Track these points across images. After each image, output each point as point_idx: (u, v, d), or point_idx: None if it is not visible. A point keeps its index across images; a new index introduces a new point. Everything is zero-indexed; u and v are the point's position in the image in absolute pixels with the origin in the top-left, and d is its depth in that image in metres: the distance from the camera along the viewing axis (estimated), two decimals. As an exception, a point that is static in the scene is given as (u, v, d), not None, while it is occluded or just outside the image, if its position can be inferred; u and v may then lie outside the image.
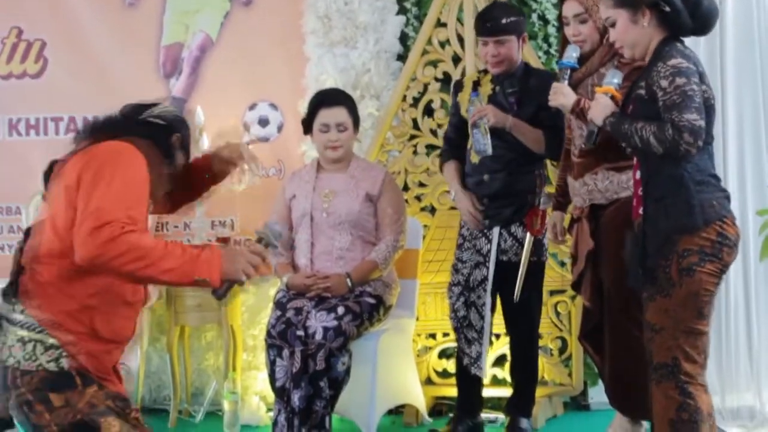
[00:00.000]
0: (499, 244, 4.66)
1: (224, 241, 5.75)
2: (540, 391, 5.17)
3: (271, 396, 4.80)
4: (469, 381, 4.77)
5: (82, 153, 2.94)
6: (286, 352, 4.51)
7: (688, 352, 3.39)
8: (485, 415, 5.05)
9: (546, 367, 5.28)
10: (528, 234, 4.50)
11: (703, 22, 3.49)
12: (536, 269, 4.61)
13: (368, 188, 4.79)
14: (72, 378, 2.81)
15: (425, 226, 5.40)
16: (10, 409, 2.80)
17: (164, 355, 5.70)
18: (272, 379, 4.58)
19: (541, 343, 5.17)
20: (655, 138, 3.33)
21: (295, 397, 4.45)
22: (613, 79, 3.63)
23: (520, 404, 4.81)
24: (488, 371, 5.22)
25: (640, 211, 3.49)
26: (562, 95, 3.91)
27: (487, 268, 4.67)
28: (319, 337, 4.48)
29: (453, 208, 5.14)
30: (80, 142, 3.02)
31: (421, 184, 5.51)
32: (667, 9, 3.43)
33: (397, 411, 5.22)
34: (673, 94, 3.34)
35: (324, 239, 4.77)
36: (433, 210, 5.50)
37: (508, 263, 4.65)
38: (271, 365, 4.58)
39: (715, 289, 3.42)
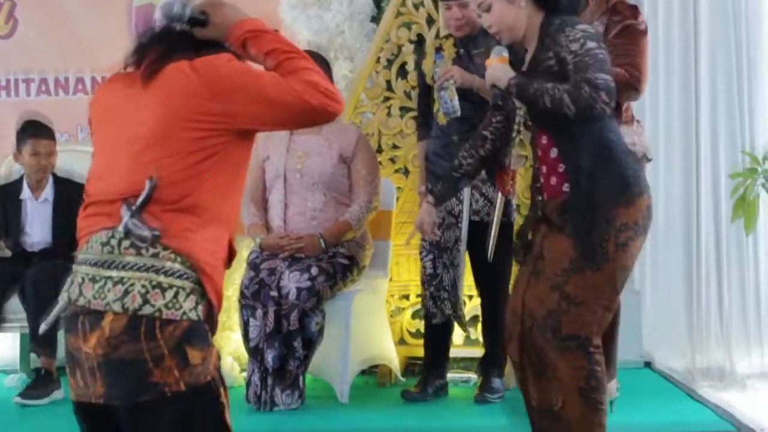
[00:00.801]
0: (470, 204, 4.68)
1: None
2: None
3: (244, 356, 4.82)
4: (435, 341, 4.80)
5: (183, 71, 2.56)
6: (259, 312, 4.52)
7: (600, 327, 3.34)
8: (458, 375, 5.08)
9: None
10: (499, 193, 4.51)
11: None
12: (505, 229, 4.62)
13: (342, 149, 4.79)
14: (206, 332, 2.52)
15: (399, 187, 5.40)
16: (103, 365, 2.43)
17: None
18: (246, 339, 4.59)
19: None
20: (569, 96, 3.19)
21: (269, 357, 4.46)
22: (501, 53, 3.46)
23: (492, 364, 4.84)
24: (462, 332, 5.25)
25: (564, 188, 3.33)
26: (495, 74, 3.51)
27: (460, 228, 4.69)
28: (292, 297, 4.48)
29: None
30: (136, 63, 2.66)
31: (395, 146, 5.50)
32: None
33: (370, 371, 5.24)
34: (585, 56, 3.22)
35: (297, 200, 4.77)
36: (406, 171, 5.49)
37: (479, 223, 4.67)
38: (245, 325, 4.59)
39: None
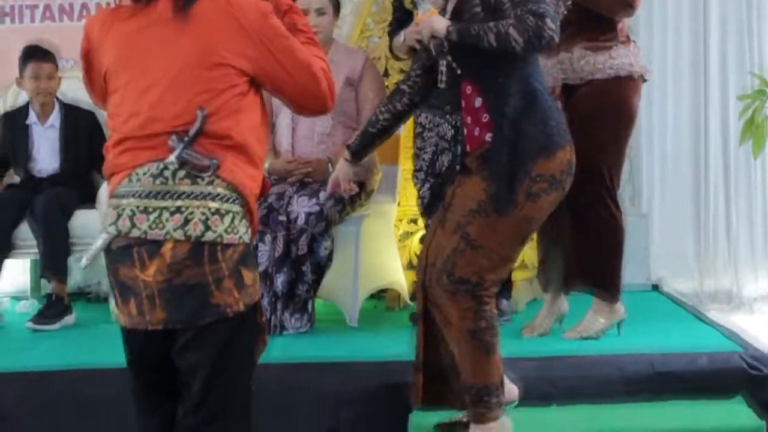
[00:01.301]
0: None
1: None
2: (520, 274, 5.24)
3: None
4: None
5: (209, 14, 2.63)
6: (268, 237, 4.52)
7: (495, 275, 3.27)
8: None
9: (526, 250, 5.30)
10: None
11: None
12: None
13: (349, 73, 4.76)
14: (251, 253, 2.73)
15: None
16: (165, 291, 2.57)
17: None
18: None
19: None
20: (515, 29, 3.10)
21: (278, 281, 4.48)
22: (426, 5, 3.35)
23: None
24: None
25: (487, 137, 3.25)
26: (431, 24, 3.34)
27: (453, 153, 4.64)
28: (301, 221, 4.49)
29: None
30: None
31: (401, 71, 5.47)
32: None
33: (379, 295, 5.27)
34: None
35: (305, 124, 4.75)
36: (414, 96, 5.46)
37: None
38: (254, 250, 4.60)
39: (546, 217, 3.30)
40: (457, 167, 3.39)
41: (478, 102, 3.31)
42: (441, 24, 3.26)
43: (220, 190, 2.59)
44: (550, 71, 4.17)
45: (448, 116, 4.61)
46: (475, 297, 3.23)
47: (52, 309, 5.00)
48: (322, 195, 4.53)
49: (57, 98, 5.40)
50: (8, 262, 5.18)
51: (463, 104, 3.37)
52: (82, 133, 5.37)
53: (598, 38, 4.07)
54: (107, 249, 2.66)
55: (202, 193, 2.58)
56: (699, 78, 5.91)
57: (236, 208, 2.61)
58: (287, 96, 2.76)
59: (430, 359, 3.43)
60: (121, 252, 2.63)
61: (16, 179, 5.44)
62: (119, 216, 2.60)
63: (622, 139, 4.19)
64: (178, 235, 2.55)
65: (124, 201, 2.60)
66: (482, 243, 3.21)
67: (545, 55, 4.17)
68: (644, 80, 4.24)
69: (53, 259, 5.03)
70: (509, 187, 3.17)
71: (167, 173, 2.58)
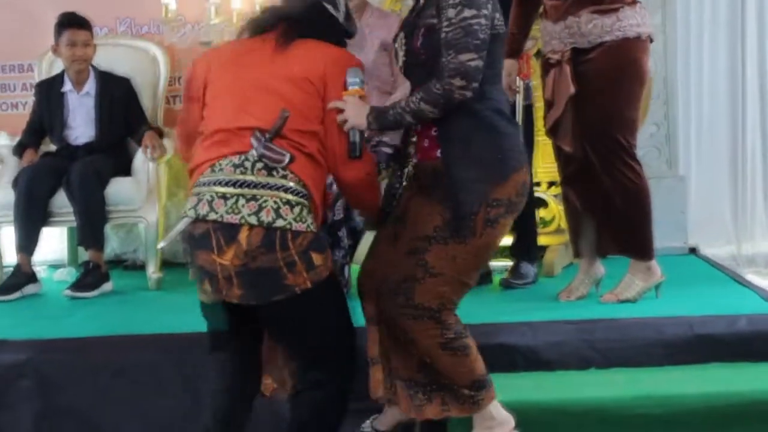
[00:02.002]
0: None
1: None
2: (556, 239, 5.23)
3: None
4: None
5: (307, 50, 3.11)
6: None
7: (455, 299, 3.19)
8: (499, 263, 5.09)
9: (562, 214, 5.29)
10: (518, 78, 4.44)
11: None
12: (526, 113, 4.57)
13: (383, 37, 4.72)
14: (323, 239, 3.09)
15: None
16: (241, 274, 2.91)
17: (182, 209, 5.73)
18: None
19: (557, 191, 5.19)
20: (426, 103, 3.03)
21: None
22: (355, 79, 3.13)
23: (521, 248, 4.86)
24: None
25: (437, 153, 3.14)
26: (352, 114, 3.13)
27: None
28: (336, 187, 4.47)
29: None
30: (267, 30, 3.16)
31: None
32: None
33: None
34: (456, 28, 3.01)
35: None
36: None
37: None
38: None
39: None
40: (407, 171, 3.30)
41: None
42: (360, 115, 3.10)
43: (291, 183, 2.93)
44: (558, 36, 4.16)
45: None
46: (436, 320, 3.15)
47: (90, 277, 5.04)
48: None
49: (92, 66, 5.40)
50: (45, 231, 5.22)
51: None
52: (117, 101, 5.38)
53: (605, 1, 4.05)
54: (188, 235, 2.96)
55: (276, 185, 2.92)
56: (736, 38, 5.84)
57: (304, 201, 2.95)
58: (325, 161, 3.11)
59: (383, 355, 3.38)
60: (199, 238, 2.94)
61: (52, 148, 5.46)
62: (199, 201, 2.93)
63: (635, 99, 4.17)
64: (252, 220, 2.88)
65: (205, 188, 2.94)
66: (441, 271, 3.12)
67: (552, 20, 4.15)
68: (651, 41, 4.21)
69: (90, 227, 5.06)
70: (467, 215, 3.08)
71: (247, 164, 2.92)
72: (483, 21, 3.04)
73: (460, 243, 3.09)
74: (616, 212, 4.19)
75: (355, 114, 3.09)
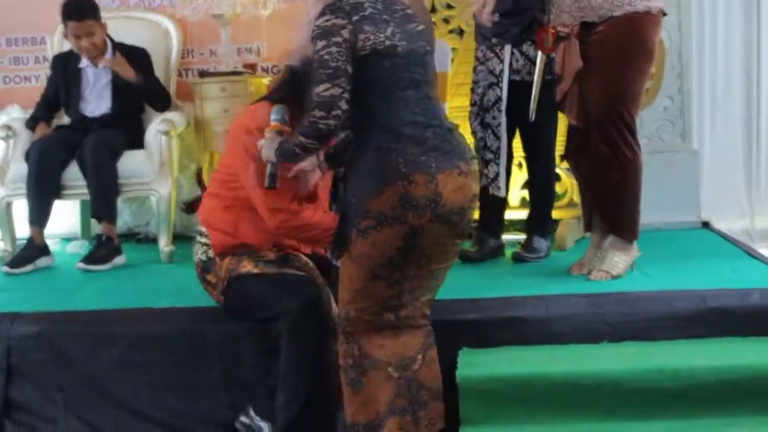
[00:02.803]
0: (510, 64, 4.62)
1: (251, 67, 5.72)
2: (568, 213, 5.22)
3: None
4: (490, 202, 4.77)
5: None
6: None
7: (355, 309, 3.25)
8: (513, 236, 5.09)
9: (575, 188, 5.29)
10: (540, 52, 4.43)
11: None
12: (549, 87, 4.56)
13: (396, 7, 4.71)
14: (213, 261, 3.76)
15: (454, 49, 5.34)
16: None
17: (194, 182, 5.74)
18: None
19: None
20: (303, 135, 3.15)
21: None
22: (277, 116, 3.43)
23: (536, 222, 4.86)
24: (518, 193, 5.25)
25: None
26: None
27: (501, 88, 4.64)
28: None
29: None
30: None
31: (449, 6, 5.43)
32: None
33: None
34: (314, 62, 3.13)
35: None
36: (461, 32, 5.43)
37: (521, 83, 4.62)
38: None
39: (399, 251, 3.15)
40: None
41: None
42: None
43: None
44: (569, 9, 4.15)
45: (496, 49, 4.62)
46: (345, 333, 3.28)
47: (103, 250, 5.05)
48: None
49: (109, 38, 5.38)
50: (57, 204, 5.22)
51: None
52: (134, 72, 5.36)
53: None
54: None
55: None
56: (751, 11, 5.81)
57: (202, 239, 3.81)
58: None
59: None
60: None
61: (65, 120, 5.46)
62: None
63: (640, 74, 4.15)
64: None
65: None
66: (341, 277, 3.29)
67: None
68: (664, 14, 4.18)
69: (103, 200, 5.06)
70: (345, 225, 3.21)
71: None
72: (334, 49, 3.09)
73: (346, 254, 3.22)
74: (609, 189, 4.18)
75: (267, 148, 3.37)
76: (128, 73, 5.24)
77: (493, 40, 4.65)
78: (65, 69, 5.40)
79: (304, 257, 3.81)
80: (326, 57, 3.09)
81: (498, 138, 4.69)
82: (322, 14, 3.13)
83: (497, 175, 4.71)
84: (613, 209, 4.23)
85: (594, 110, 4.12)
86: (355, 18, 3.12)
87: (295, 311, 3.50)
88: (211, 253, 3.78)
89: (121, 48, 5.40)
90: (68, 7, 5.24)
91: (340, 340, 3.30)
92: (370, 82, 3.14)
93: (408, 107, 3.18)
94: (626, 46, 4.07)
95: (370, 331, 3.27)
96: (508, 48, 4.64)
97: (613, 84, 4.06)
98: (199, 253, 3.83)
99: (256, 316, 3.71)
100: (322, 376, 3.50)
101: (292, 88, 3.53)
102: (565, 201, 5.36)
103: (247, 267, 3.69)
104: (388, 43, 3.16)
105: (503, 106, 4.65)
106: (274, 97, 3.61)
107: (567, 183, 5.36)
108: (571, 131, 4.31)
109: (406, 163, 3.11)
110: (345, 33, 3.10)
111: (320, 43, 3.10)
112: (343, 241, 3.22)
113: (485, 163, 4.71)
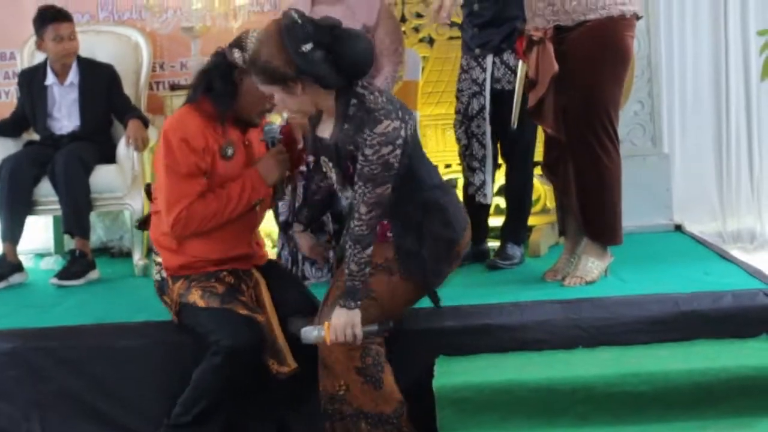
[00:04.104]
0: (492, 73, 4.64)
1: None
2: (542, 219, 5.24)
3: (275, 232, 4.84)
4: (474, 209, 4.78)
5: None
6: (288, 188, 4.51)
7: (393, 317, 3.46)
8: (491, 243, 5.10)
9: (548, 194, 5.32)
10: (520, 61, 4.45)
11: (352, 72, 3.32)
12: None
13: (365, 19, 4.72)
14: (167, 282, 3.78)
15: (424, 57, 5.35)
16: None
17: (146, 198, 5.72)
18: (276, 215, 4.61)
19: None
20: (362, 246, 3.32)
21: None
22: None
23: (510, 229, 4.87)
24: (493, 200, 5.26)
25: (388, 234, 3.48)
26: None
27: (484, 96, 4.66)
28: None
29: (452, 37, 5.08)
30: None
31: (419, 15, 5.45)
32: (312, 79, 3.28)
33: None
34: (373, 164, 3.27)
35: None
36: (431, 41, 5.45)
37: (502, 91, 4.64)
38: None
39: None
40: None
41: None
42: (350, 319, 3.35)
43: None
44: (542, 13, 4.13)
45: (479, 59, 4.64)
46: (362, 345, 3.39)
47: (77, 265, 5.03)
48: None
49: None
50: (30, 220, 5.20)
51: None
52: (101, 89, 5.35)
53: None
54: None
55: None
56: (719, 13, 5.84)
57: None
58: None
59: None
60: None
61: (35, 136, 5.44)
62: None
63: (618, 79, 4.13)
64: None
65: None
66: (378, 296, 3.40)
67: None
68: (638, 18, 4.18)
69: (75, 215, 5.04)
70: (434, 277, 3.51)
71: None
72: (398, 151, 3.29)
73: (405, 279, 3.43)
74: (589, 195, 4.18)
75: (345, 321, 3.36)
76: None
77: (476, 51, 4.68)
78: (30, 86, 5.37)
79: (255, 275, 3.82)
80: (392, 160, 3.28)
81: (483, 146, 4.72)
82: (377, 121, 3.26)
83: (483, 182, 4.75)
84: (595, 215, 4.20)
85: (573, 118, 4.10)
86: (405, 117, 3.34)
87: (226, 351, 3.53)
88: (164, 274, 3.79)
89: (87, 65, 5.38)
90: (48, 12, 5.25)
91: (352, 350, 3.37)
92: (410, 158, 3.39)
93: (429, 165, 3.56)
94: (601, 51, 4.05)
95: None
96: (489, 57, 4.67)
97: (590, 91, 4.04)
98: (155, 273, 3.86)
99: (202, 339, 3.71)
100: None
101: (204, 86, 3.63)
102: (538, 207, 5.39)
103: (194, 297, 3.69)
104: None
105: (486, 114, 4.68)
106: (192, 98, 3.67)
107: (540, 189, 5.38)
108: (550, 141, 4.29)
109: (463, 211, 3.56)
110: (403, 132, 3.30)
111: (386, 149, 3.26)
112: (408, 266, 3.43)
113: (471, 171, 4.74)
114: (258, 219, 3.87)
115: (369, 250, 3.32)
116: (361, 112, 3.29)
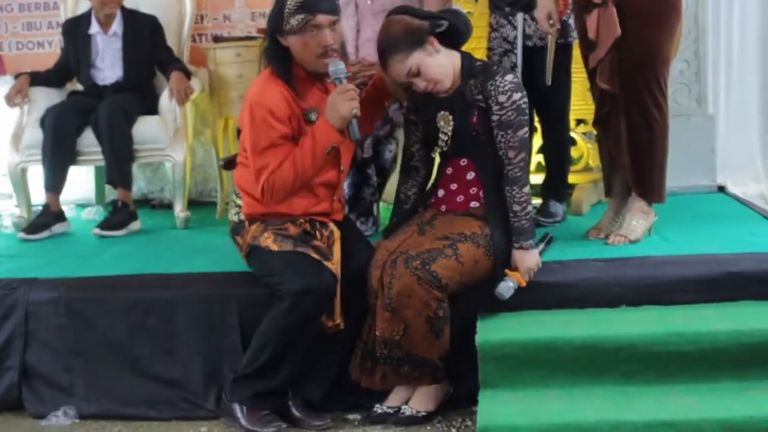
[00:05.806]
0: (523, 30, 4.59)
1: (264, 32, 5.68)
2: (585, 177, 5.21)
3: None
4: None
5: None
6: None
7: (456, 287, 3.64)
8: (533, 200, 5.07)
9: (591, 153, 5.28)
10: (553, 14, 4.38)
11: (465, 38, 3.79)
12: (563, 51, 4.53)
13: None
14: (243, 224, 3.83)
15: (468, 12, 5.29)
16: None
17: (209, 148, 5.74)
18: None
19: (586, 129, 5.17)
20: (525, 186, 3.73)
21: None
22: (337, 74, 3.70)
23: (551, 187, 4.85)
24: (534, 158, 5.23)
25: (472, 204, 3.81)
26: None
27: (515, 54, 4.61)
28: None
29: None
30: None
31: (462, -31, 5.37)
32: (444, 26, 3.66)
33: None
34: (508, 110, 3.66)
35: (369, 27, 4.68)
36: (476, -6, 5.39)
37: (534, 48, 4.59)
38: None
39: None
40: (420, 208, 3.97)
41: (470, 175, 3.84)
42: (533, 258, 3.79)
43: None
44: None
45: (509, 17, 4.59)
46: (442, 292, 3.60)
47: (118, 216, 5.05)
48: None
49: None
50: (73, 170, 5.23)
51: (450, 172, 3.88)
52: (144, 40, 5.36)
53: None
54: None
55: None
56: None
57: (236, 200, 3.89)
58: None
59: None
60: None
61: (79, 87, 5.45)
62: None
63: (671, 35, 4.14)
64: None
65: None
66: (464, 261, 3.64)
67: None
68: None
69: (118, 165, 5.06)
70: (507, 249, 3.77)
71: None
72: (526, 99, 3.72)
73: (488, 256, 3.71)
74: (639, 151, 4.16)
75: (530, 260, 3.79)
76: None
77: (506, 9, 4.63)
78: (74, 35, 5.38)
79: (331, 226, 3.83)
80: (524, 106, 3.70)
81: None
82: (501, 72, 3.72)
83: None
84: (643, 171, 4.19)
85: (629, 73, 4.08)
86: None
87: (295, 294, 3.56)
88: (242, 216, 3.82)
89: (131, 15, 5.38)
90: None
91: (433, 295, 3.57)
92: None
93: None
94: (659, 6, 4.05)
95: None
96: (520, 15, 4.61)
97: (649, 46, 4.04)
98: (232, 214, 3.89)
99: (269, 286, 3.75)
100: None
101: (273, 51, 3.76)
102: (581, 165, 5.35)
103: (267, 241, 3.71)
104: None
105: (519, 72, 4.63)
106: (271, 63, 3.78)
107: (583, 147, 5.34)
108: (602, 97, 4.24)
109: None
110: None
111: (517, 95, 3.68)
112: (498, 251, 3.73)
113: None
114: (340, 176, 3.87)
115: (526, 188, 3.71)
116: (485, 68, 3.74)
